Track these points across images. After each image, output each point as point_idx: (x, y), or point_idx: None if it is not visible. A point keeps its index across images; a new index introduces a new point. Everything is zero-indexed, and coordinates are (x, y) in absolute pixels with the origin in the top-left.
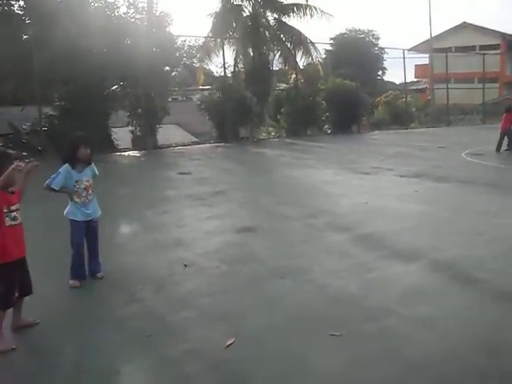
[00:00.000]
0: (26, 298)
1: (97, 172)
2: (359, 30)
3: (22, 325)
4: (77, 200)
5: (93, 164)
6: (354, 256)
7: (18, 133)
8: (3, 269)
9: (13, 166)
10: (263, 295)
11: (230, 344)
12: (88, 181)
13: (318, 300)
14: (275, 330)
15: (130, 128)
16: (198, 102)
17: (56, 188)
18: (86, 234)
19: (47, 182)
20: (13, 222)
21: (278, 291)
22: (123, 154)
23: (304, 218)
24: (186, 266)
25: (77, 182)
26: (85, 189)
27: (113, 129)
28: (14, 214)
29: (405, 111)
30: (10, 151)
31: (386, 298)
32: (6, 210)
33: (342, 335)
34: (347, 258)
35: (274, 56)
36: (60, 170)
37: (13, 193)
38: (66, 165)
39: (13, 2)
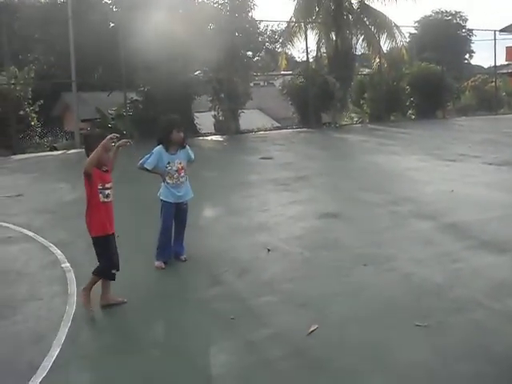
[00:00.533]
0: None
1: (192, 156)
2: (446, 12)
3: (110, 302)
4: (168, 181)
5: (188, 147)
6: (439, 245)
7: (105, 117)
8: (104, 241)
9: (108, 136)
10: (347, 282)
11: (313, 330)
12: (180, 163)
13: (402, 289)
14: (359, 318)
15: (212, 113)
16: (281, 87)
17: (148, 168)
18: (175, 216)
19: (141, 161)
20: (106, 200)
21: (362, 279)
22: (206, 138)
23: (387, 205)
24: (269, 250)
25: (169, 163)
26: (176, 171)
27: (195, 113)
28: (107, 191)
29: (494, 96)
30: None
31: (474, 290)
32: (100, 187)
33: (428, 326)
34: (432, 246)
35: (358, 40)
36: (153, 150)
37: (106, 171)
38: (160, 146)
39: None
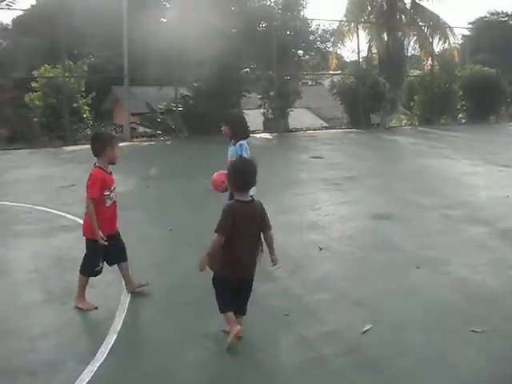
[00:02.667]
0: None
1: (240, 153)
2: (502, 13)
3: (136, 287)
4: None
5: (237, 145)
6: (495, 251)
7: (154, 112)
8: (92, 245)
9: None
10: (400, 284)
11: (367, 330)
12: (231, 157)
13: (456, 293)
14: (413, 321)
15: (261, 110)
16: (330, 87)
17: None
18: None
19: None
20: (109, 202)
21: (415, 281)
22: (255, 135)
23: (440, 209)
24: (321, 249)
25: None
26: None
27: (244, 110)
28: (112, 194)
29: None
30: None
31: None
32: (106, 193)
33: (484, 332)
34: (487, 252)
35: (409, 41)
36: (242, 143)
37: (110, 173)
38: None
39: None
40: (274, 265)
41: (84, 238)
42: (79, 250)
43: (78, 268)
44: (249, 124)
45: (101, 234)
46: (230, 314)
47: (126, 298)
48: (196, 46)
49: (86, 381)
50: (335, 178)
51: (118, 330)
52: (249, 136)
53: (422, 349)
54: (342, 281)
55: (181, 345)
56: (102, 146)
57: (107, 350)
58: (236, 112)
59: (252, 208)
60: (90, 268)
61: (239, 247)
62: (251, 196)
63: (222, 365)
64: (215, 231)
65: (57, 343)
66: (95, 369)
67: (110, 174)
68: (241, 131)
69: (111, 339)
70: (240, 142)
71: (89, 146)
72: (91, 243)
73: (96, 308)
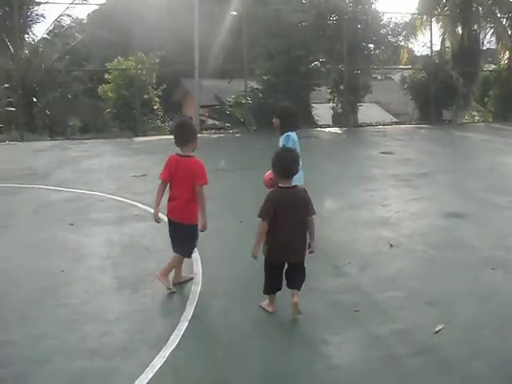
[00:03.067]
0: None
1: (282, 143)
2: None
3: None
4: None
5: (284, 136)
6: None
7: (223, 105)
8: (195, 230)
9: None
10: (474, 284)
11: (439, 330)
12: None
13: None
14: (488, 323)
15: (330, 105)
16: (401, 82)
17: None
18: None
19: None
20: None
21: (490, 282)
22: (324, 130)
23: None
24: (392, 246)
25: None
26: None
27: (313, 104)
28: None
29: None
30: None
31: None
32: None
33: None
34: None
35: (486, 34)
36: (290, 134)
37: None
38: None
39: None
40: (311, 252)
41: (183, 224)
42: (150, 239)
43: (151, 256)
44: (318, 118)
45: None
46: (272, 297)
47: (196, 288)
48: (266, 38)
49: (158, 366)
50: (406, 174)
51: (189, 318)
52: (298, 129)
53: (498, 352)
54: (414, 279)
55: (251, 336)
56: (192, 133)
57: (178, 337)
58: (286, 104)
59: (295, 194)
60: (190, 250)
61: (283, 231)
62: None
63: (290, 357)
64: (258, 217)
65: (129, 328)
66: (167, 355)
67: None
68: (289, 123)
69: (182, 327)
70: (287, 134)
71: (159, 137)
72: (194, 228)
73: (173, 291)
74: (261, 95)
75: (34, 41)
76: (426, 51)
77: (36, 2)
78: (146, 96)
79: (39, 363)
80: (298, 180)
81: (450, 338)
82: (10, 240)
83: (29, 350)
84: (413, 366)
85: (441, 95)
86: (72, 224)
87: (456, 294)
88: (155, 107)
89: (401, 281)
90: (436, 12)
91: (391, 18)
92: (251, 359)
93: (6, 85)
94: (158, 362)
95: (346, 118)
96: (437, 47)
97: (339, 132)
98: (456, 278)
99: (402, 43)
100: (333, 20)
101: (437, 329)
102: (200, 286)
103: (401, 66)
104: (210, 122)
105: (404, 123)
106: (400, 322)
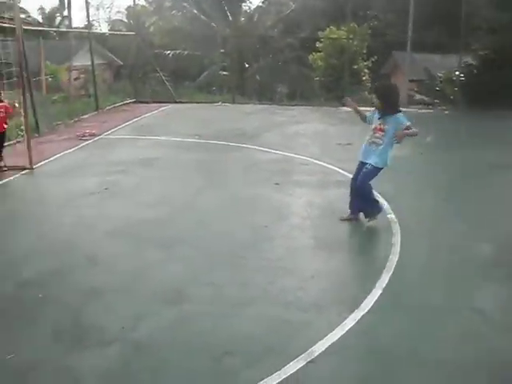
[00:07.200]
0: None
1: (403, 123)
2: None
3: None
4: (367, 137)
5: (397, 115)
6: None
7: (433, 80)
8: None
9: None
10: None
11: None
12: (380, 124)
13: None
14: None
15: None
16: None
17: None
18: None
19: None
20: None
21: None
22: None
23: None
24: None
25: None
26: (373, 129)
27: None
28: None
29: None
30: None
31: None
32: None
33: None
34: None
35: None
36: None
37: None
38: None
39: None
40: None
41: None
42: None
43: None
44: None
45: None
46: None
47: (394, 258)
48: (488, 10)
49: (350, 326)
50: None
51: (383, 286)
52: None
53: None
54: None
55: (445, 313)
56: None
57: (372, 302)
58: (389, 83)
59: None
60: None
61: None
62: (368, 162)
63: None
64: None
65: (324, 287)
66: (359, 317)
67: None
68: (398, 102)
69: (377, 293)
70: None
71: (364, 108)
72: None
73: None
74: (475, 72)
75: (249, 9)
76: None
77: None
78: (355, 66)
79: (241, 306)
80: (370, 156)
81: None
82: (220, 195)
83: (233, 294)
84: None
85: None
86: (277, 184)
87: None
88: (364, 78)
89: None
90: None
91: None
92: (443, 336)
93: (222, 50)
94: (350, 322)
95: None
96: None
97: None
98: None
99: None
100: None
101: None
102: (397, 257)
103: None
104: (418, 97)
105: None
106: None
